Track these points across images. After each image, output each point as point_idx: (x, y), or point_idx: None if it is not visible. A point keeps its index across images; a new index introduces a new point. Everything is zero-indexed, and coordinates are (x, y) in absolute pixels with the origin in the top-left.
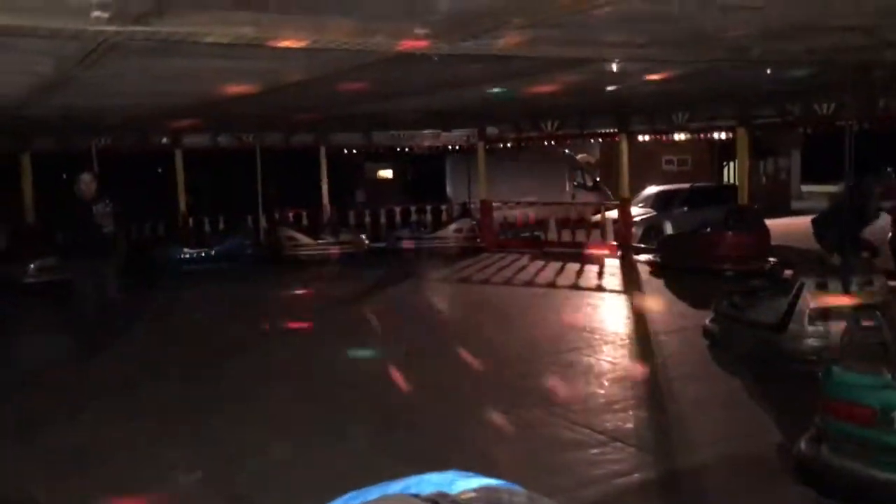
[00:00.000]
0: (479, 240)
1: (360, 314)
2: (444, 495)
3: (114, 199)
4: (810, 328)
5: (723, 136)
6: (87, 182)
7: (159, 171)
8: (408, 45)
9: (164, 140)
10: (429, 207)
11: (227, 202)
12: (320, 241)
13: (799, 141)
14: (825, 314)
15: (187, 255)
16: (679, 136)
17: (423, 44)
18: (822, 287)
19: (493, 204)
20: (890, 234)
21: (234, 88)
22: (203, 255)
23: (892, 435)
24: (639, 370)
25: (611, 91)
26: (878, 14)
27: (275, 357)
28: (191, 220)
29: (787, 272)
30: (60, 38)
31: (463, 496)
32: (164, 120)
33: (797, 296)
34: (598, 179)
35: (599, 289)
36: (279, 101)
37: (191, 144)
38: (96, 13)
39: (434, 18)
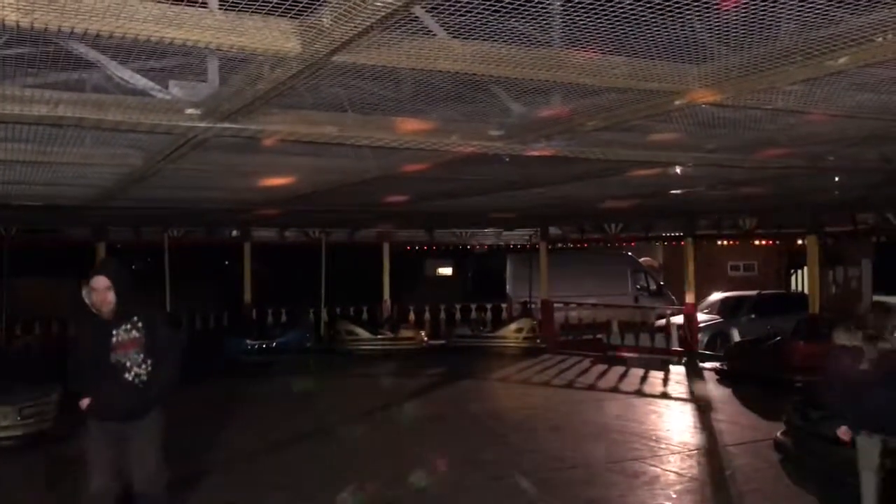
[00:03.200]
0: (539, 340)
1: (418, 416)
2: None
3: (159, 310)
4: None
5: (786, 241)
6: (101, 289)
7: (226, 262)
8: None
9: (234, 233)
10: (489, 306)
11: (290, 294)
12: (379, 337)
13: (870, 250)
14: None
15: (249, 346)
16: (746, 242)
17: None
18: None
19: (555, 304)
20: None
21: (310, 184)
22: (264, 346)
23: None
24: (707, 483)
25: (677, 194)
26: None
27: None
28: (254, 312)
29: None
30: (154, 133)
31: None
32: (237, 213)
33: None
34: (661, 283)
35: (664, 396)
36: (350, 197)
37: (259, 238)
38: (189, 110)
39: (508, 121)
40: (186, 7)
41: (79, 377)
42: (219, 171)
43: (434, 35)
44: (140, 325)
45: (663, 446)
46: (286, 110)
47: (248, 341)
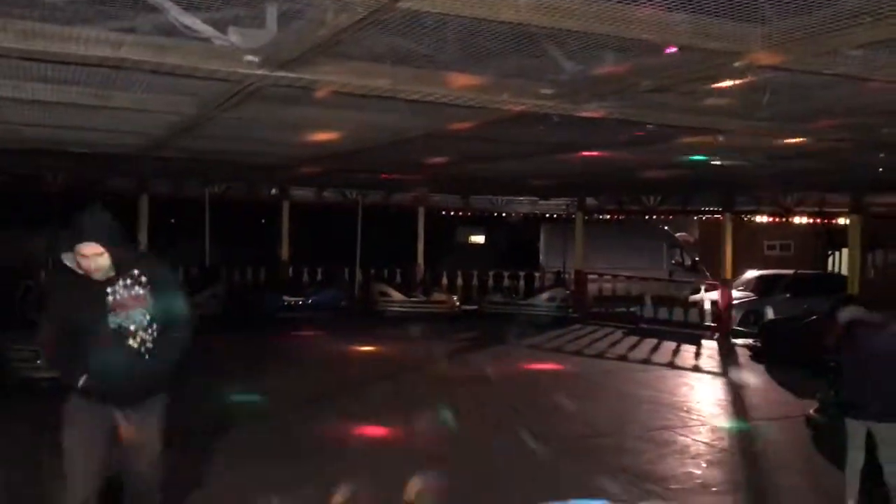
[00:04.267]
0: (571, 310)
1: (447, 379)
2: None
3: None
4: None
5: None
6: (91, 255)
7: (263, 221)
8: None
9: (273, 191)
10: (521, 273)
11: (326, 254)
12: (412, 299)
13: None
14: None
15: (285, 303)
16: (783, 221)
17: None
18: None
19: (588, 275)
20: None
21: (355, 140)
22: (300, 303)
23: None
24: (737, 455)
25: (718, 166)
26: None
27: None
28: (291, 270)
29: None
30: (210, 80)
31: None
32: (279, 170)
33: None
34: (696, 259)
35: (696, 369)
36: (392, 156)
37: (297, 197)
38: (248, 58)
39: (562, 79)
40: None
41: (63, 356)
42: (268, 123)
43: None
44: (143, 279)
45: (694, 417)
46: (341, 61)
47: (285, 297)
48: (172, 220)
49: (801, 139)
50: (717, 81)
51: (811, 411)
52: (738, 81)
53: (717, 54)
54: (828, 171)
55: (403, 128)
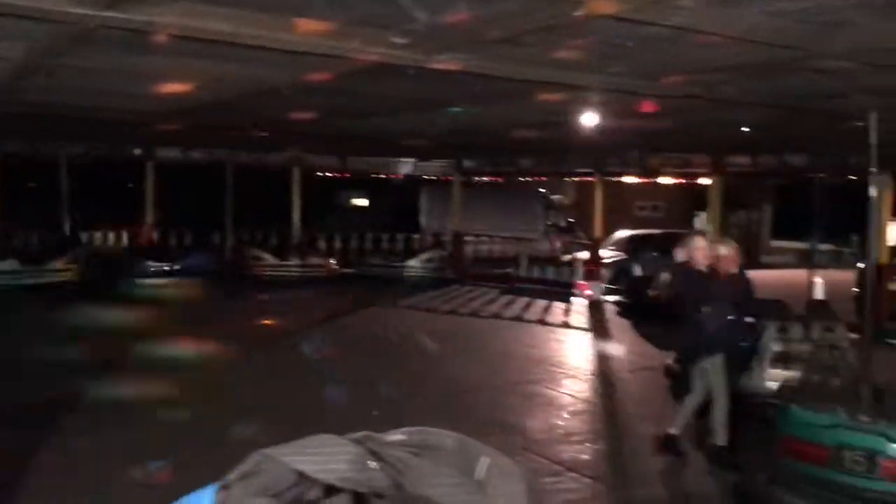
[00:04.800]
0: (448, 271)
1: (318, 341)
2: (370, 437)
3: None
4: (771, 370)
5: (696, 183)
6: None
7: (129, 185)
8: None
9: (137, 151)
10: (401, 236)
11: (196, 217)
12: (287, 263)
13: (771, 195)
14: (786, 357)
15: (151, 268)
16: (653, 182)
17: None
18: (784, 332)
19: (466, 237)
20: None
21: (209, 92)
22: (166, 269)
23: (844, 475)
24: (599, 405)
25: (586, 129)
26: (848, 57)
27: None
28: (157, 234)
29: None
30: (33, 21)
31: (391, 437)
32: (138, 126)
33: (760, 338)
34: (571, 220)
35: (566, 326)
36: (255, 110)
37: (163, 157)
38: None
39: (413, 28)
40: None
41: None
42: (113, 73)
43: None
44: None
45: (560, 371)
46: (175, 1)
47: (151, 263)
48: (31, 185)
49: (654, 94)
50: (561, 30)
51: (669, 361)
52: (584, 33)
53: (557, 2)
54: (688, 132)
55: (259, 79)
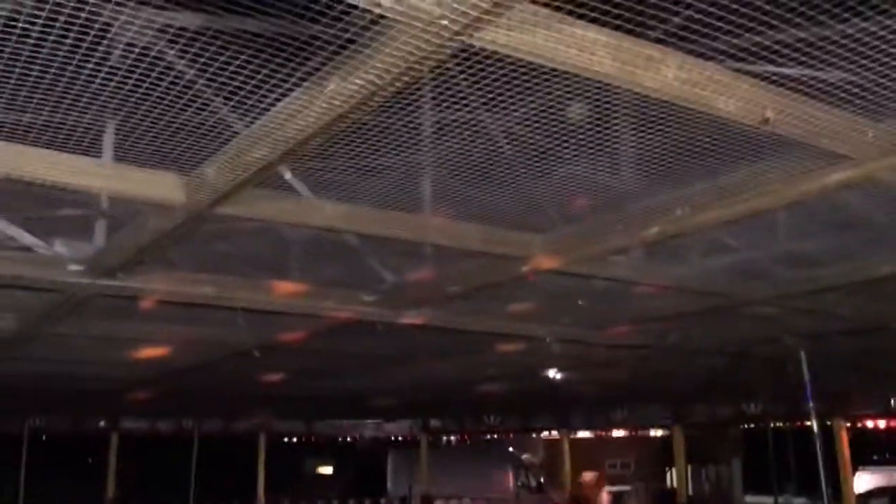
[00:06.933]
0: None
1: None
2: None
3: None
4: None
5: (663, 437)
6: None
7: (89, 459)
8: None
9: (102, 423)
10: (367, 501)
11: (159, 490)
12: None
13: (739, 450)
14: None
15: None
16: (622, 436)
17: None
18: None
19: (435, 501)
20: None
21: (185, 354)
22: None
23: None
24: None
25: (549, 384)
26: (769, 303)
27: None
28: None
29: None
30: (33, 291)
31: None
32: (112, 396)
33: None
34: (542, 480)
35: None
36: (226, 374)
37: (128, 428)
38: (72, 266)
39: (381, 288)
40: (82, 156)
41: None
42: (95, 340)
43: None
44: None
45: None
46: (167, 270)
47: None
48: None
49: (606, 345)
50: (512, 286)
51: None
52: (533, 286)
53: (506, 259)
54: (645, 383)
55: (234, 341)
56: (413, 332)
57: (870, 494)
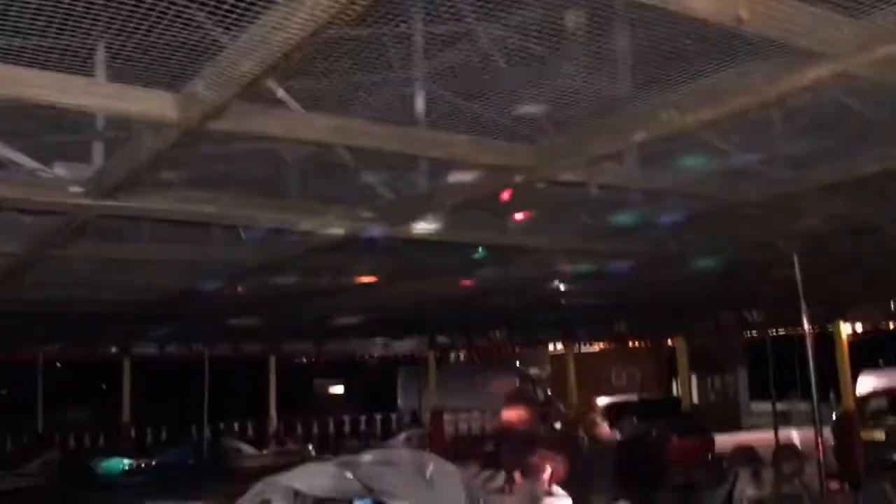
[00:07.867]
0: (428, 449)
1: None
2: (347, 459)
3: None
4: None
5: (670, 348)
6: None
7: (103, 385)
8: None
9: (113, 349)
10: (378, 417)
11: (172, 412)
12: (264, 452)
13: (744, 359)
14: (761, 501)
15: (126, 467)
16: (629, 348)
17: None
18: (757, 476)
19: (444, 414)
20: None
21: (192, 279)
22: (143, 466)
23: None
24: None
25: (555, 296)
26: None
27: None
28: (133, 431)
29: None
30: (36, 214)
31: (363, 458)
32: (120, 321)
33: (734, 485)
34: (549, 393)
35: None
36: (233, 298)
37: (139, 354)
38: (73, 188)
39: (378, 203)
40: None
41: None
42: (100, 264)
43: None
44: None
45: None
46: (166, 189)
47: (126, 461)
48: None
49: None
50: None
51: None
52: (528, 195)
53: (499, 169)
54: (652, 298)
55: (236, 260)
56: (415, 246)
57: (870, 396)
